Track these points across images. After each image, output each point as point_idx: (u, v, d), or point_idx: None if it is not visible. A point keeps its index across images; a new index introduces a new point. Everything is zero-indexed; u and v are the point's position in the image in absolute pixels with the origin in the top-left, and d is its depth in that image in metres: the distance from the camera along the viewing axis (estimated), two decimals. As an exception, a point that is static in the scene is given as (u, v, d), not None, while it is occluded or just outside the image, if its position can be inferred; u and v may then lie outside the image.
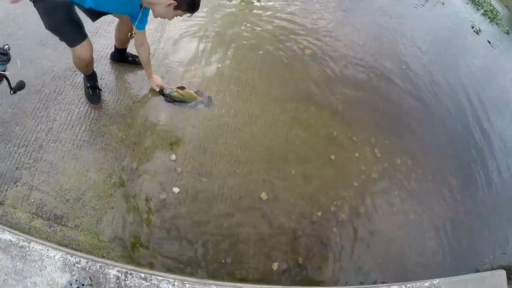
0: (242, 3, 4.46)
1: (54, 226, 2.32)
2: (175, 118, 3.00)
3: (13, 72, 2.08)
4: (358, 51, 4.55)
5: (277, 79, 3.64)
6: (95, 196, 2.47)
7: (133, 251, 2.35)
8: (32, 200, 2.38)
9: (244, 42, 3.90)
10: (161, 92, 2.98)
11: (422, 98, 4.42)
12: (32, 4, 2.16)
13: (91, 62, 2.53)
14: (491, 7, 9.71)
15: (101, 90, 2.87)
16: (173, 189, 2.62)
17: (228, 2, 4.34)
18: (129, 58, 3.14)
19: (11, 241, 1.98)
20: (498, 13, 9.54)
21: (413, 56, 5.05)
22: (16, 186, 2.41)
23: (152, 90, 3.06)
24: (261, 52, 3.84)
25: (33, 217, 2.32)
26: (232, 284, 2.35)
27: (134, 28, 2.47)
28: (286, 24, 4.39)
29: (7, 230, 2.05)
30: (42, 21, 2.25)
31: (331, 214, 2.88)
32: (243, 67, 3.61)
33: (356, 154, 3.33)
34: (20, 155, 2.52)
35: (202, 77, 3.36)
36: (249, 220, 2.67)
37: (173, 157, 2.76)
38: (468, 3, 8.87)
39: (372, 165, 3.35)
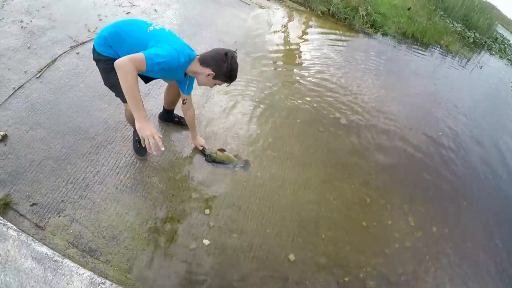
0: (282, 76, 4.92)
1: (87, 257, 2.39)
2: (213, 176, 3.19)
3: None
4: (394, 118, 4.87)
5: (313, 147, 3.87)
6: (130, 237, 2.56)
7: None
8: (71, 231, 2.50)
9: (283, 110, 4.24)
10: (203, 152, 3.20)
11: (459, 164, 4.56)
12: (92, 61, 2.49)
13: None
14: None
15: None
16: (203, 241, 2.69)
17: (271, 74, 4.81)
18: (175, 119, 3.46)
19: (47, 254, 2.13)
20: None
21: (451, 120, 5.37)
22: (59, 216, 2.55)
23: (194, 150, 3.31)
24: (298, 120, 4.14)
25: (69, 245, 2.42)
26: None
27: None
28: (324, 94, 4.81)
29: (45, 246, 2.17)
30: (102, 78, 2.58)
31: (359, 281, 2.84)
32: (281, 134, 3.89)
33: (389, 222, 3.35)
34: (68, 190, 2.71)
35: (242, 142, 3.62)
36: (272, 279, 2.66)
37: (207, 211, 2.89)
38: (507, 64, 9.18)
39: (405, 233, 3.34)
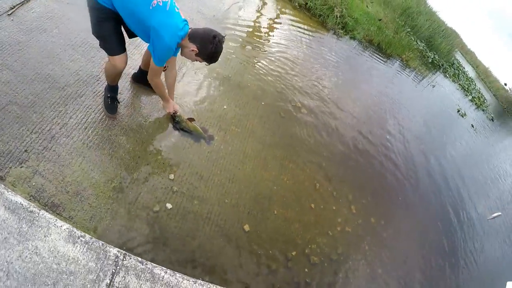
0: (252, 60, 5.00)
1: (49, 212, 2.35)
2: (179, 143, 3.25)
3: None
4: (349, 112, 5.28)
5: (273, 129, 4.03)
6: (94, 195, 2.59)
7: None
8: (33, 184, 2.45)
9: (250, 91, 4.36)
10: (173, 117, 3.22)
11: (401, 167, 5.09)
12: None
13: (121, 73, 2.80)
14: (479, 94, 10.96)
15: (119, 102, 3.10)
16: (166, 205, 2.79)
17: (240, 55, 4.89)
18: None
19: (21, 204, 2.07)
20: (485, 100, 10.76)
21: (399, 129, 5.92)
22: (21, 167, 2.49)
23: (165, 115, 3.32)
24: (263, 103, 4.28)
25: (30, 198, 2.38)
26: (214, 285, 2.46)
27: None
28: (289, 84, 4.99)
29: (20, 195, 2.13)
30: (91, 26, 2.54)
31: (304, 256, 3.12)
32: (246, 112, 4.01)
33: (334, 207, 3.65)
34: (32, 139, 2.64)
35: (209, 115, 3.69)
36: (229, 246, 2.84)
37: (172, 176, 2.97)
38: (458, 89, 10.03)
39: (347, 219, 3.70)
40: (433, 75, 10.46)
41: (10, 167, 2.46)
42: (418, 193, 4.91)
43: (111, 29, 2.51)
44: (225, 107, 3.88)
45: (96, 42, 2.71)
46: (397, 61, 9.09)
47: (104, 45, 2.62)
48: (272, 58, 5.41)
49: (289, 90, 4.87)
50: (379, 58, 8.43)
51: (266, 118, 4.11)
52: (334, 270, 3.24)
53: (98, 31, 2.54)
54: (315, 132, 4.47)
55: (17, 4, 3.43)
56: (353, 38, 8.20)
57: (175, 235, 2.67)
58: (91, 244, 2.09)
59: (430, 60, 11.20)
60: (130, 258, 2.15)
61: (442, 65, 11.82)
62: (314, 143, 4.31)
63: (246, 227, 3.00)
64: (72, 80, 3.11)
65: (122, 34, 2.64)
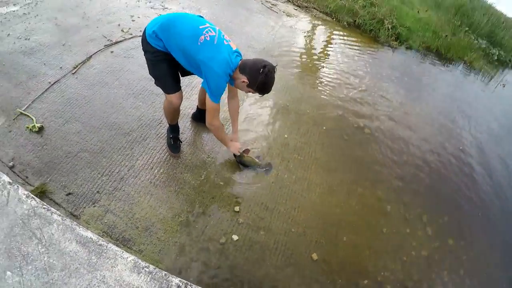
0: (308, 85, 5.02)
1: (120, 247, 2.45)
2: (243, 176, 3.27)
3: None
4: (415, 130, 4.90)
5: (337, 153, 3.92)
6: (162, 229, 2.63)
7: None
8: (106, 221, 2.59)
9: (309, 117, 4.29)
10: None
11: (478, 179, 4.55)
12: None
13: (178, 110, 2.92)
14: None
15: (181, 142, 3.23)
16: (232, 236, 2.76)
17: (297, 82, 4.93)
18: None
19: (91, 238, 2.20)
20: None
21: (471, 136, 5.37)
22: (94, 206, 2.65)
23: (226, 149, 3.31)
24: (324, 127, 4.20)
25: (103, 234, 2.50)
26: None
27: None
28: (349, 105, 4.86)
29: (90, 231, 2.26)
30: (148, 68, 2.71)
31: (377, 284, 2.90)
32: (307, 139, 3.94)
33: (408, 230, 3.40)
34: (103, 182, 2.80)
35: (271, 144, 3.71)
36: (297, 276, 2.72)
37: (237, 208, 2.96)
38: None
39: (423, 242, 3.38)
40: (501, 74, 9.59)
41: (84, 207, 2.62)
42: (499, 205, 4.31)
43: (165, 70, 2.64)
44: (286, 135, 3.86)
45: (155, 88, 2.90)
46: (460, 65, 8.42)
47: (160, 84, 2.76)
48: (329, 80, 5.34)
49: (349, 111, 4.72)
50: (440, 65, 7.90)
51: (329, 143, 4.01)
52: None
53: (154, 72, 2.70)
54: (381, 152, 4.25)
55: (79, 63, 3.80)
56: (409, 47, 7.79)
57: (241, 266, 2.61)
58: (155, 274, 2.13)
59: (495, 58, 10.04)
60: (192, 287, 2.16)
61: (510, 60, 10.44)
62: (381, 163, 4.09)
63: (314, 256, 2.87)
64: (135, 125, 3.30)
65: (177, 74, 2.77)
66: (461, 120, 5.71)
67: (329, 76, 5.45)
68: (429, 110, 5.61)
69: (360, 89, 5.36)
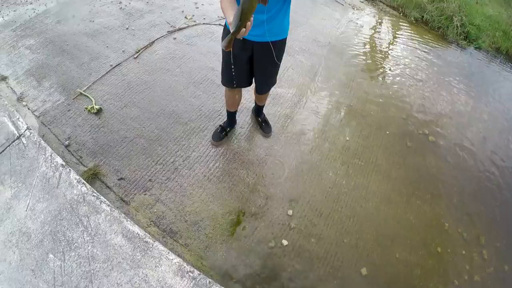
0: (373, 84, 4.74)
1: (167, 238, 2.41)
2: (300, 178, 3.08)
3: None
4: (485, 141, 4.47)
5: (399, 161, 3.66)
6: (211, 226, 2.53)
7: (228, 284, 2.34)
8: (155, 210, 2.52)
9: (373, 120, 4.03)
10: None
11: None
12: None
13: (233, 104, 2.82)
14: None
15: (227, 135, 3.07)
16: (282, 241, 2.62)
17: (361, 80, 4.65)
18: (259, 119, 3.30)
19: (138, 234, 2.13)
20: None
21: None
22: (145, 194, 2.59)
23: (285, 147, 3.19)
24: (387, 132, 3.93)
25: (150, 223, 2.45)
26: None
27: None
28: (413, 108, 4.54)
29: (137, 226, 2.21)
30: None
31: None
32: (369, 144, 3.69)
33: (463, 252, 3.16)
34: (156, 170, 2.73)
35: (331, 148, 3.49)
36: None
37: (290, 212, 2.81)
38: None
39: (477, 266, 3.11)
40: None
41: (135, 194, 2.58)
42: None
43: (227, 59, 2.37)
44: (347, 138, 3.64)
45: (216, 78, 2.80)
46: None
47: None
48: (394, 81, 5.01)
49: (414, 116, 4.38)
50: (511, 68, 7.33)
51: (391, 149, 3.73)
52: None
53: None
54: (446, 164, 3.89)
55: (142, 48, 3.77)
56: (478, 48, 7.24)
57: (287, 273, 2.43)
58: (198, 281, 2.02)
59: None
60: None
61: None
62: (444, 175, 3.74)
63: (364, 271, 2.67)
64: (194, 115, 3.21)
65: (232, 72, 2.42)
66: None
67: (394, 75, 5.12)
68: (500, 119, 5.18)
69: (425, 91, 5.03)
